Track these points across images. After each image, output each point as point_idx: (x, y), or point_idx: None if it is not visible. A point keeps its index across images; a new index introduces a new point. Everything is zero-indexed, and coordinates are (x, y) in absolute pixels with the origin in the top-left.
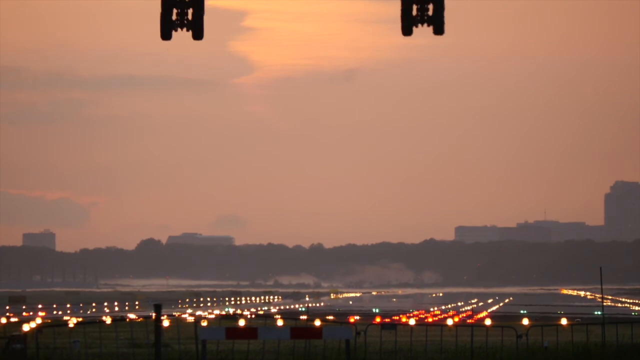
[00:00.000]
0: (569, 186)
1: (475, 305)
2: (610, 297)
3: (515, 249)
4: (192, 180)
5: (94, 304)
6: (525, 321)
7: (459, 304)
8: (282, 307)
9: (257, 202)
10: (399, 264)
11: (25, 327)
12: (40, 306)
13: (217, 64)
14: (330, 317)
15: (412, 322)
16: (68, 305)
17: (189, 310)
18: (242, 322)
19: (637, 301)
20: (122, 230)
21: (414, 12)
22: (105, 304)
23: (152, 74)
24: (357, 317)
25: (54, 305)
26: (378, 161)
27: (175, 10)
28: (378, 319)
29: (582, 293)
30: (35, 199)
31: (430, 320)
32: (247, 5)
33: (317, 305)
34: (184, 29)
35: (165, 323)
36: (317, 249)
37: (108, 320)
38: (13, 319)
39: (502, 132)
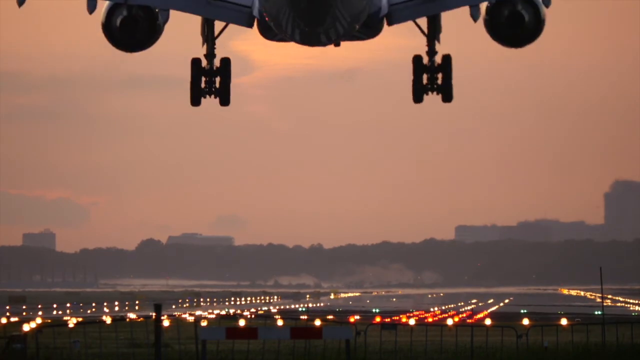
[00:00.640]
0: (569, 185)
1: (475, 306)
2: (610, 297)
3: (516, 249)
4: (192, 180)
5: (94, 304)
6: (525, 321)
7: (459, 304)
8: (282, 307)
9: (257, 202)
10: (399, 264)
11: (25, 327)
12: (40, 306)
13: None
14: (330, 317)
15: (412, 322)
16: (68, 305)
17: (189, 310)
18: (242, 322)
19: (637, 301)
20: (122, 230)
21: (424, 81)
22: (105, 304)
23: (152, 74)
24: (357, 317)
25: (54, 305)
26: (378, 161)
27: (204, 79)
28: (378, 319)
29: (582, 293)
30: (35, 199)
31: (430, 320)
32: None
33: (317, 305)
34: (212, 96)
35: (165, 323)
36: (317, 249)
37: (108, 320)
38: (13, 319)
39: (502, 131)
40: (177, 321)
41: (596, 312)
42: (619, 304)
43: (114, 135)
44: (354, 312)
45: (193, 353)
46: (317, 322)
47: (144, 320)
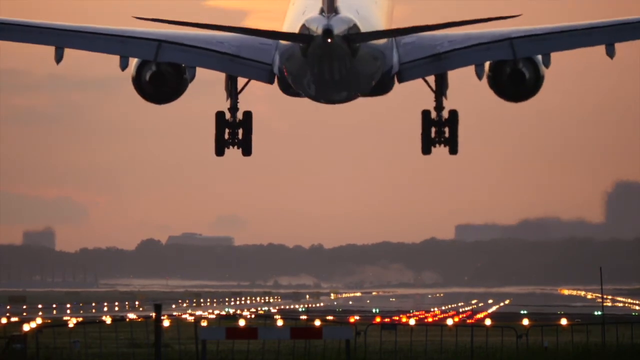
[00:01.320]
0: (570, 184)
1: (475, 306)
2: (609, 297)
3: (516, 248)
4: (192, 180)
5: (93, 304)
6: (525, 321)
7: (460, 304)
8: (282, 307)
9: (257, 202)
10: (399, 264)
11: (25, 327)
12: (40, 306)
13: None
14: (330, 317)
15: (412, 322)
16: (68, 305)
17: (189, 310)
18: (242, 322)
19: (637, 301)
20: (122, 230)
21: (432, 135)
22: (105, 304)
23: None
24: (357, 317)
25: (54, 305)
26: (378, 161)
27: (227, 131)
28: (378, 319)
29: (582, 293)
30: (35, 198)
31: (430, 320)
32: (247, 5)
33: (317, 305)
34: (235, 147)
35: (166, 323)
36: (317, 249)
37: (108, 320)
38: (13, 319)
39: (503, 131)
40: (177, 321)
41: (596, 312)
42: (619, 304)
43: (114, 135)
44: (354, 312)
45: (193, 353)
46: (317, 322)
47: (144, 320)
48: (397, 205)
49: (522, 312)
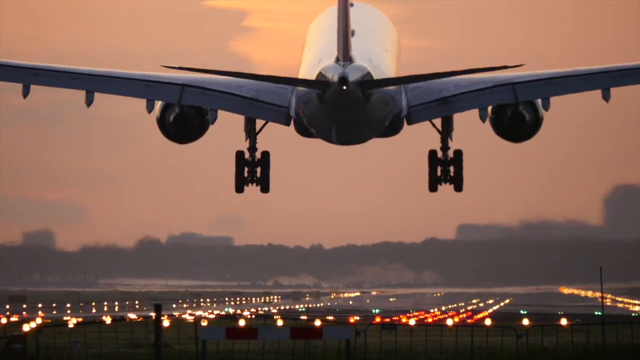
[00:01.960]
0: (570, 185)
1: (475, 306)
2: (609, 296)
3: (517, 249)
4: (192, 180)
5: (93, 303)
6: (525, 321)
7: (460, 304)
8: (282, 308)
9: (257, 202)
10: (399, 264)
11: (25, 327)
12: (40, 306)
13: (217, 64)
14: (330, 318)
15: (412, 322)
16: (68, 305)
17: (189, 311)
18: (242, 322)
19: (638, 302)
20: (122, 230)
21: (439, 173)
22: (105, 303)
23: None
24: (357, 318)
25: (54, 305)
26: (378, 161)
27: (246, 169)
28: (378, 319)
29: (582, 293)
30: (35, 199)
31: (430, 320)
32: (247, 5)
33: (317, 305)
34: (254, 184)
35: (166, 323)
36: (317, 249)
37: (108, 320)
38: (13, 319)
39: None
40: (177, 321)
41: (596, 313)
42: (619, 304)
43: (114, 135)
44: (354, 312)
45: (193, 353)
46: (317, 322)
47: (144, 320)
48: (397, 205)
49: (522, 312)
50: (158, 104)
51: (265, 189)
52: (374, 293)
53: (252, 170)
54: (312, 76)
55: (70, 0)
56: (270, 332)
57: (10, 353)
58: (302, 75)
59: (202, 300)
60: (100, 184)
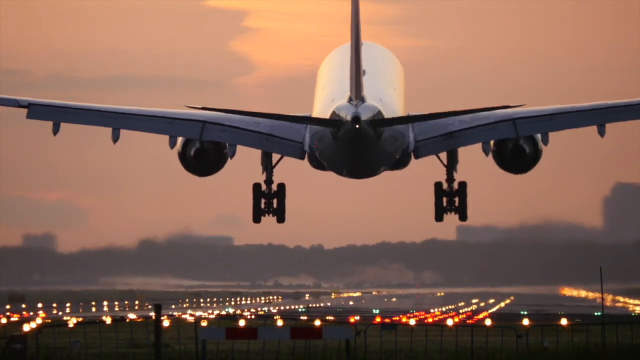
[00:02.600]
0: (570, 186)
1: (475, 307)
2: (610, 295)
3: (517, 249)
4: (192, 180)
5: (93, 303)
6: (525, 321)
7: (460, 304)
8: (282, 308)
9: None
10: (399, 264)
11: (25, 327)
12: (40, 306)
13: (217, 64)
14: (330, 318)
15: (412, 322)
16: (68, 305)
17: (189, 311)
18: (242, 322)
19: (638, 302)
20: (122, 230)
21: (444, 203)
22: (105, 303)
23: (152, 74)
24: (357, 318)
25: (54, 305)
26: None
27: (263, 201)
28: (378, 319)
29: (583, 293)
30: (35, 200)
31: (430, 320)
32: (247, 5)
33: (317, 305)
34: (270, 215)
35: (166, 323)
36: (317, 249)
37: (108, 320)
38: (13, 319)
39: None
40: (177, 321)
41: (596, 313)
42: (619, 304)
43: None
44: (354, 313)
45: (193, 353)
46: (317, 322)
47: (144, 320)
48: (397, 206)
49: (522, 312)
50: (179, 139)
51: (281, 219)
52: (374, 293)
53: (269, 202)
54: (327, 115)
55: (70, 0)
56: (270, 332)
57: (10, 353)
58: (316, 113)
59: (202, 300)
60: (100, 184)
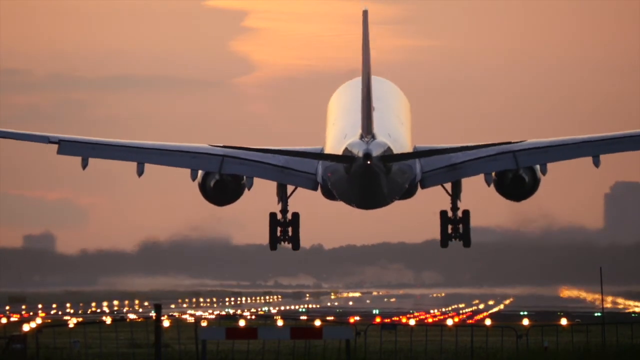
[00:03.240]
0: (569, 186)
1: (475, 307)
2: (610, 299)
3: (516, 250)
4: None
5: (93, 304)
6: (525, 321)
7: (460, 305)
8: (282, 308)
9: (257, 202)
10: (399, 264)
11: (25, 327)
12: (40, 306)
13: (217, 64)
14: (330, 318)
15: (412, 322)
16: (68, 305)
17: (189, 311)
18: (242, 323)
19: (637, 303)
20: (122, 231)
21: (449, 231)
22: (105, 303)
23: (152, 74)
24: (357, 318)
25: (54, 306)
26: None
27: (279, 229)
28: (378, 319)
29: (583, 295)
30: (35, 200)
31: (430, 320)
32: (247, 5)
33: (317, 306)
34: (286, 242)
35: (166, 323)
36: (317, 249)
37: (108, 320)
38: (13, 319)
39: (503, 133)
40: (177, 321)
41: (596, 314)
42: (619, 305)
43: (114, 135)
44: (354, 313)
45: (193, 353)
46: (317, 322)
47: (144, 320)
48: (397, 206)
49: (521, 313)
50: (200, 171)
51: (296, 246)
52: (374, 293)
53: (284, 230)
54: (339, 151)
55: (71, 0)
56: (270, 332)
57: (10, 353)
58: (329, 148)
59: (202, 300)
60: (100, 184)
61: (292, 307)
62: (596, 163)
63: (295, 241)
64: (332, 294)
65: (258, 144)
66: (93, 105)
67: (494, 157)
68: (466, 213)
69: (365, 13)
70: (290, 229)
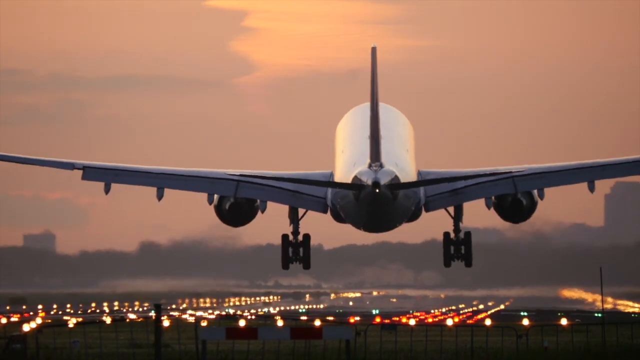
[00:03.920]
0: (569, 186)
1: (475, 308)
2: (610, 300)
3: (516, 250)
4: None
5: (93, 304)
6: (525, 322)
7: (460, 306)
8: (282, 308)
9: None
10: (399, 264)
11: (25, 327)
12: (40, 307)
13: (217, 64)
14: (331, 318)
15: (412, 322)
16: (68, 306)
17: (189, 311)
18: (242, 323)
19: (637, 304)
20: (122, 231)
21: (452, 251)
22: (105, 304)
23: (152, 74)
24: (357, 318)
25: (54, 306)
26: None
27: (291, 249)
28: (378, 320)
29: (583, 296)
30: (35, 200)
31: (430, 320)
32: (247, 5)
33: (317, 307)
34: (298, 262)
35: (166, 323)
36: (317, 250)
37: (108, 320)
38: (13, 319)
39: (503, 134)
40: (177, 321)
41: (596, 315)
42: (620, 307)
43: (114, 135)
44: (354, 313)
45: (193, 353)
46: (317, 323)
47: (144, 320)
48: None
49: (521, 314)
50: (216, 195)
51: (307, 266)
52: (374, 294)
53: (296, 250)
54: (349, 179)
55: (71, 0)
56: (270, 332)
57: (10, 353)
58: (338, 174)
59: (202, 300)
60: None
61: (292, 308)
62: (591, 188)
63: (306, 261)
64: (332, 294)
65: (258, 143)
66: (93, 105)
67: (494, 183)
68: (467, 235)
69: (374, 50)
70: (301, 250)
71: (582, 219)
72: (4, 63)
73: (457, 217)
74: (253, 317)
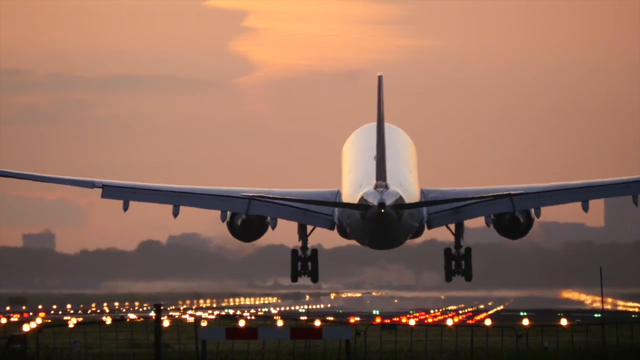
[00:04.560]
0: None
1: (475, 308)
2: (610, 300)
3: (516, 251)
4: (192, 180)
5: (93, 304)
6: (525, 322)
7: (461, 306)
8: (281, 308)
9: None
10: (399, 264)
11: (25, 327)
12: (40, 307)
13: (217, 64)
14: (331, 318)
15: (412, 322)
16: (68, 306)
17: (189, 311)
18: (242, 323)
19: (638, 304)
20: (122, 231)
21: (453, 267)
22: (105, 304)
23: (152, 74)
24: (357, 319)
25: (54, 306)
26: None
27: (299, 264)
28: (378, 320)
29: (583, 296)
30: (35, 200)
31: (430, 320)
32: (247, 5)
33: (317, 307)
34: (306, 275)
35: (166, 323)
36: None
37: (108, 320)
38: (13, 319)
39: (503, 134)
40: (177, 321)
41: (596, 315)
42: (620, 307)
43: (114, 135)
44: (354, 314)
45: (193, 353)
46: (317, 323)
47: (144, 320)
48: None
49: (521, 314)
50: (228, 212)
51: (315, 279)
52: (374, 294)
53: (304, 265)
54: (355, 199)
55: (71, 0)
56: (270, 332)
57: (10, 353)
58: (345, 194)
59: (202, 300)
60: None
61: (292, 308)
62: (585, 208)
63: (314, 274)
64: (332, 294)
65: (258, 143)
66: (93, 105)
67: (492, 201)
68: (468, 251)
69: (380, 78)
70: (309, 264)
71: (582, 219)
72: (4, 63)
73: (458, 234)
74: (253, 317)
